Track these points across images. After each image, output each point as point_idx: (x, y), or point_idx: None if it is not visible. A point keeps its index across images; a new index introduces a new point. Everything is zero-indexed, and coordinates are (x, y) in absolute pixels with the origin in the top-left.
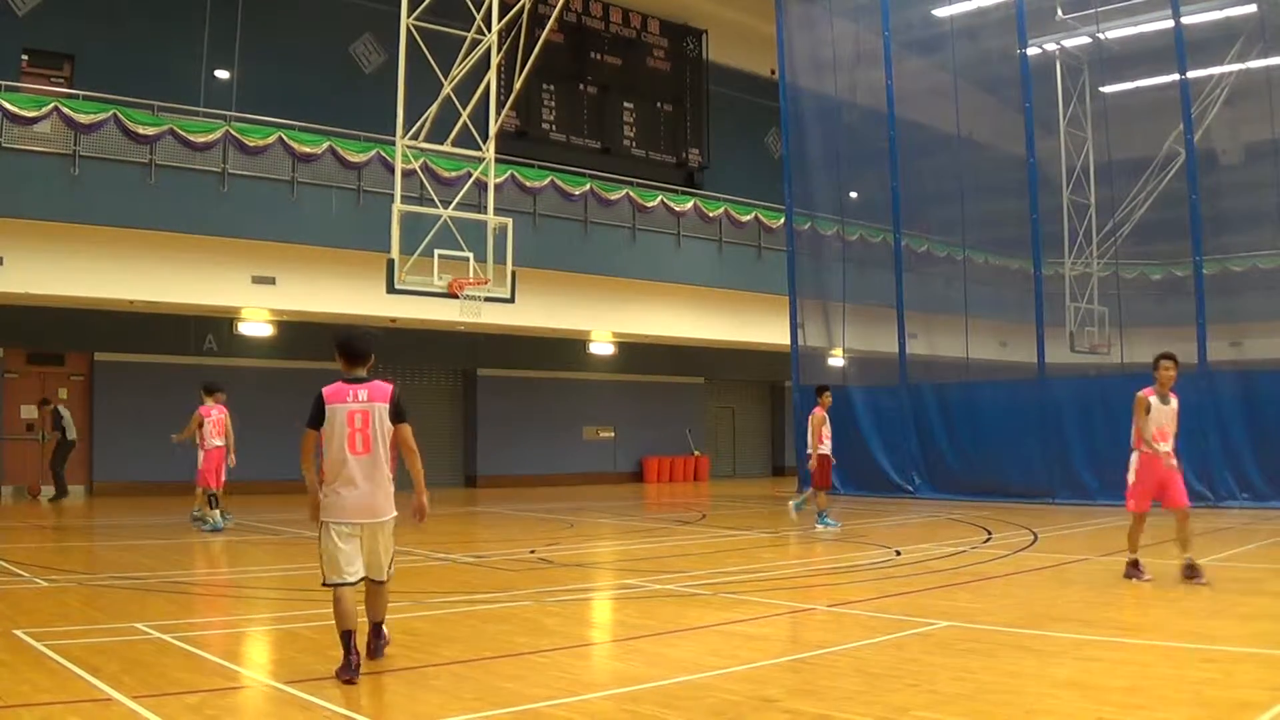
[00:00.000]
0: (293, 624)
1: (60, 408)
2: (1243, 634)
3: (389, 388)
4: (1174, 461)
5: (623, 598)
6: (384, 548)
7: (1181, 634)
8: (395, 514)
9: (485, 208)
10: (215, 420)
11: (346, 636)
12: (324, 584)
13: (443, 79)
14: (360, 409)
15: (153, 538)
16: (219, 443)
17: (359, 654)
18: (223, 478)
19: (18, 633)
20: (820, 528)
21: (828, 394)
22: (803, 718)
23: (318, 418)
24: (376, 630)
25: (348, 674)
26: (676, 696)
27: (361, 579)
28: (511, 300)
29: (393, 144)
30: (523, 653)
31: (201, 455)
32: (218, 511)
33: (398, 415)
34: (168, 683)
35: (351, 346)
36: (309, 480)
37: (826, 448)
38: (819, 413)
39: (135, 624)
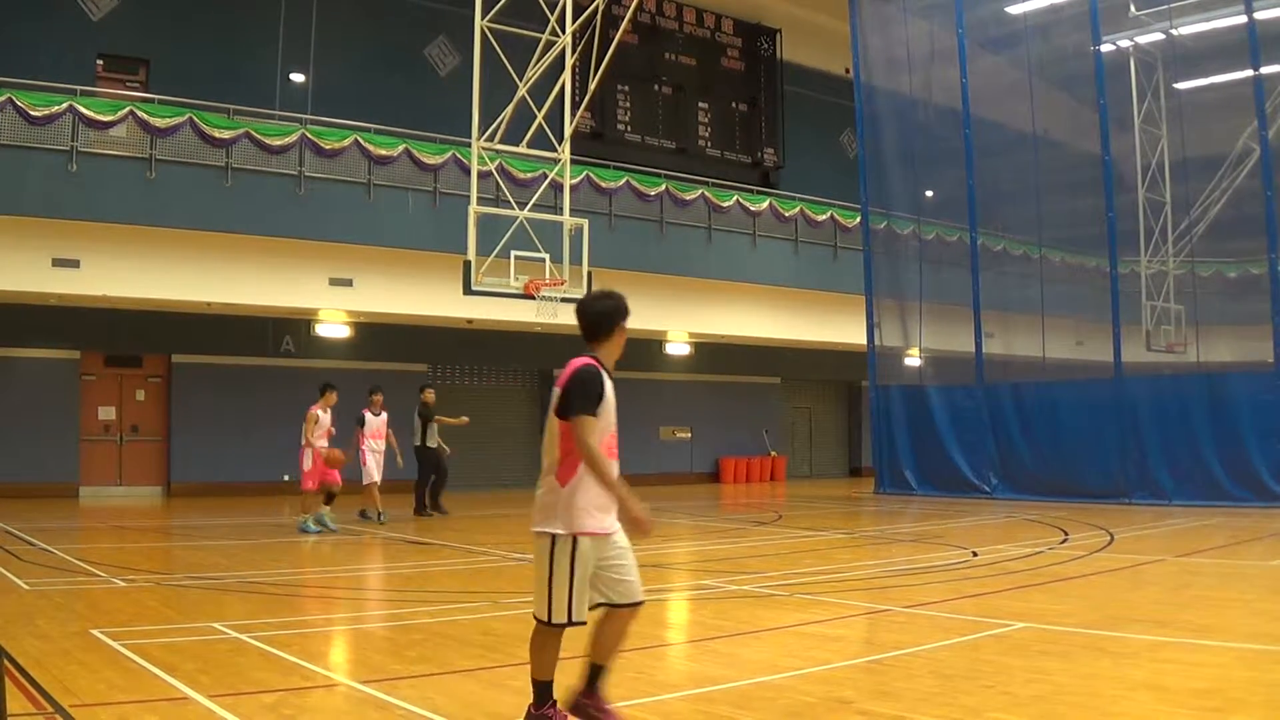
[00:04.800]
0: (369, 624)
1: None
2: None
3: (569, 366)
4: None
5: (698, 598)
6: (535, 573)
7: (1258, 636)
8: (554, 531)
9: (561, 209)
10: (322, 422)
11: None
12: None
13: (518, 80)
14: None
15: (229, 538)
16: (324, 444)
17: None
18: (329, 478)
19: (95, 632)
20: None
21: None
22: (877, 719)
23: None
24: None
25: None
26: (751, 697)
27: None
28: None
29: (468, 146)
30: None
31: (310, 455)
32: (326, 510)
33: (563, 407)
34: (244, 682)
35: (579, 315)
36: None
37: None
38: None
39: (212, 624)
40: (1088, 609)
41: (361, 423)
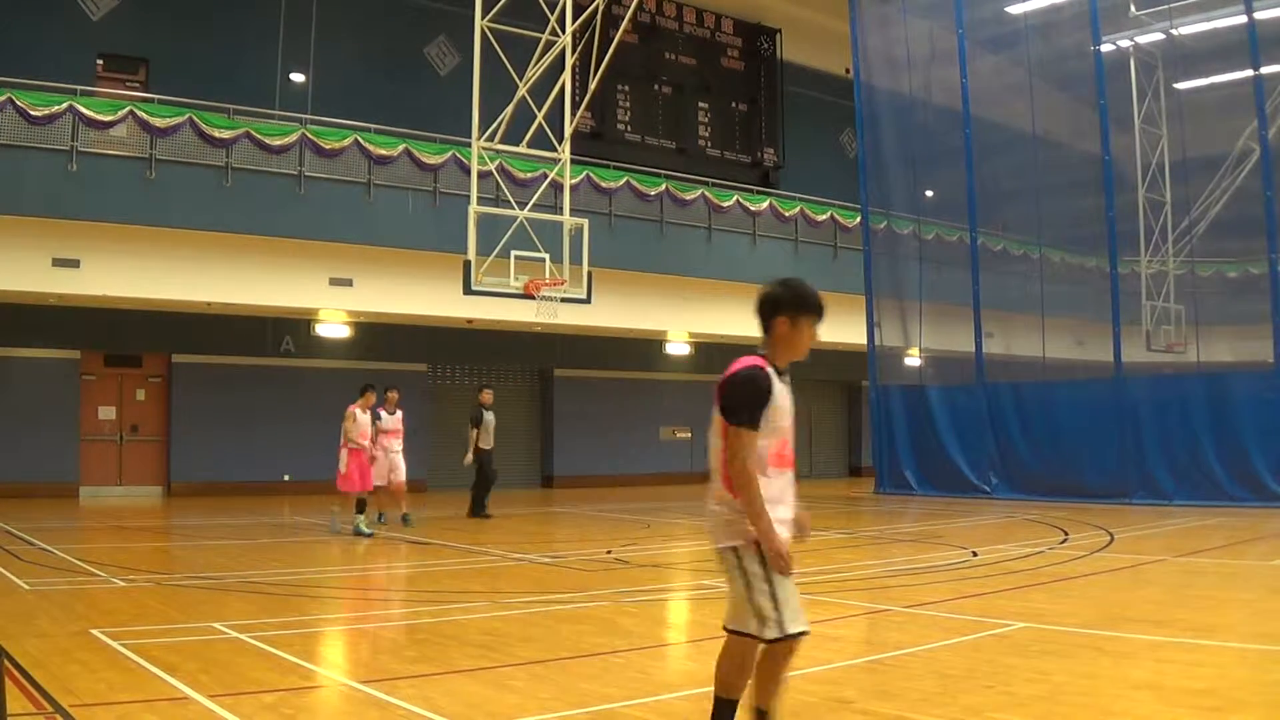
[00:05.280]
0: (368, 624)
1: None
2: None
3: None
4: None
5: (699, 598)
6: (731, 591)
7: (1258, 636)
8: (735, 544)
9: (561, 208)
10: (360, 422)
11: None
12: (779, 636)
13: (518, 80)
14: None
15: (229, 538)
16: (363, 444)
17: None
18: (368, 481)
19: (95, 632)
20: None
21: None
22: (878, 719)
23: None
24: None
25: None
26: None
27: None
28: (588, 301)
29: (468, 146)
30: (599, 653)
31: (346, 456)
32: (361, 517)
33: (722, 410)
34: (244, 682)
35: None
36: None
37: None
38: None
39: (212, 623)
40: (1088, 609)
41: (479, 421)
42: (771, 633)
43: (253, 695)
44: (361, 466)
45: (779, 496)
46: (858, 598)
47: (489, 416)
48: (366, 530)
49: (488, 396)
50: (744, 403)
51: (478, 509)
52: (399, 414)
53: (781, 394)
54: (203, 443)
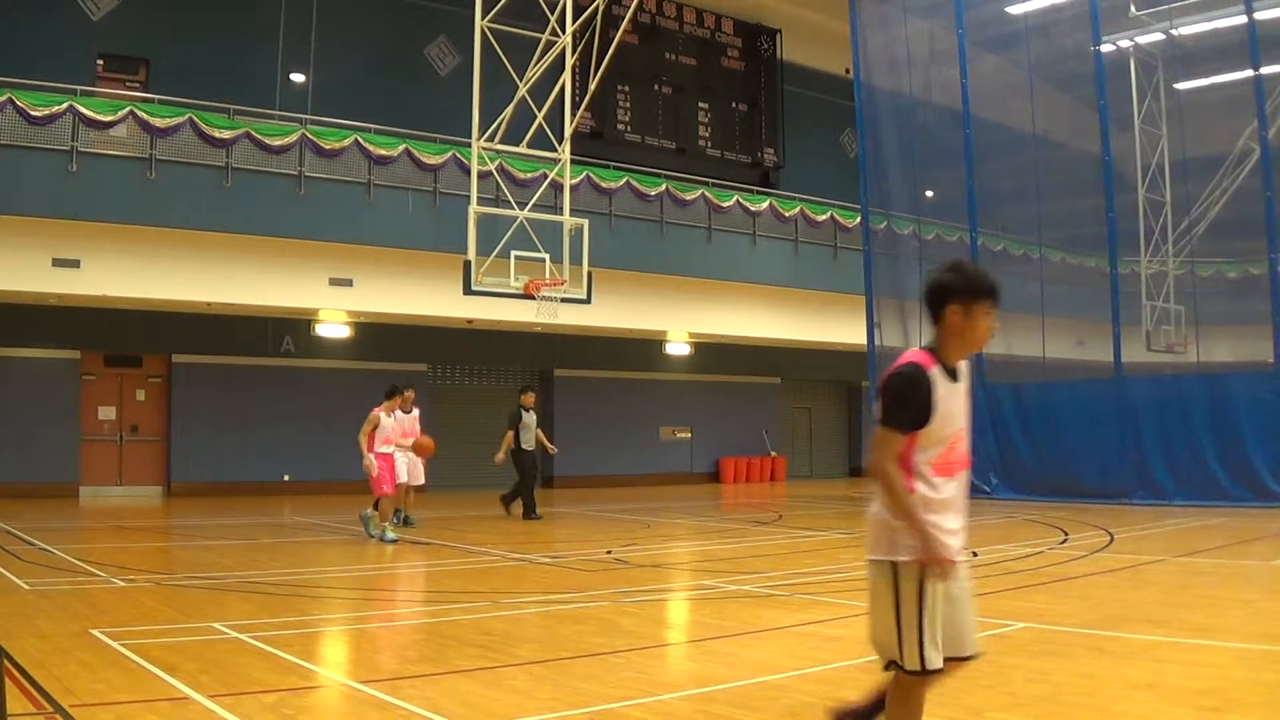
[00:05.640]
0: (368, 624)
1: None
2: None
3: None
4: None
5: (699, 598)
6: (876, 611)
7: (1258, 636)
8: (894, 558)
9: (561, 209)
10: (384, 426)
11: None
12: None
13: (518, 81)
14: None
15: (229, 538)
16: (385, 449)
17: None
18: (396, 482)
19: (95, 632)
20: None
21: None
22: None
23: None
24: None
25: None
26: (752, 697)
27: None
28: (588, 301)
29: (468, 146)
30: (599, 653)
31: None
32: (387, 523)
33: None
34: (244, 682)
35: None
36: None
37: None
38: None
39: (212, 623)
40: (1088, 609)
41: (516, 422)
42: (912, 665)
43: (253, 695)
44: (388, 469)
45: (947, 505)
46: (858, 598)
47: (529, 417)
48: (392, 536)
49: (529, 398)
50: (895, 403)
51: (529, 511)
52: (415, 413)
53: (948, 396)
54: (203, 443)
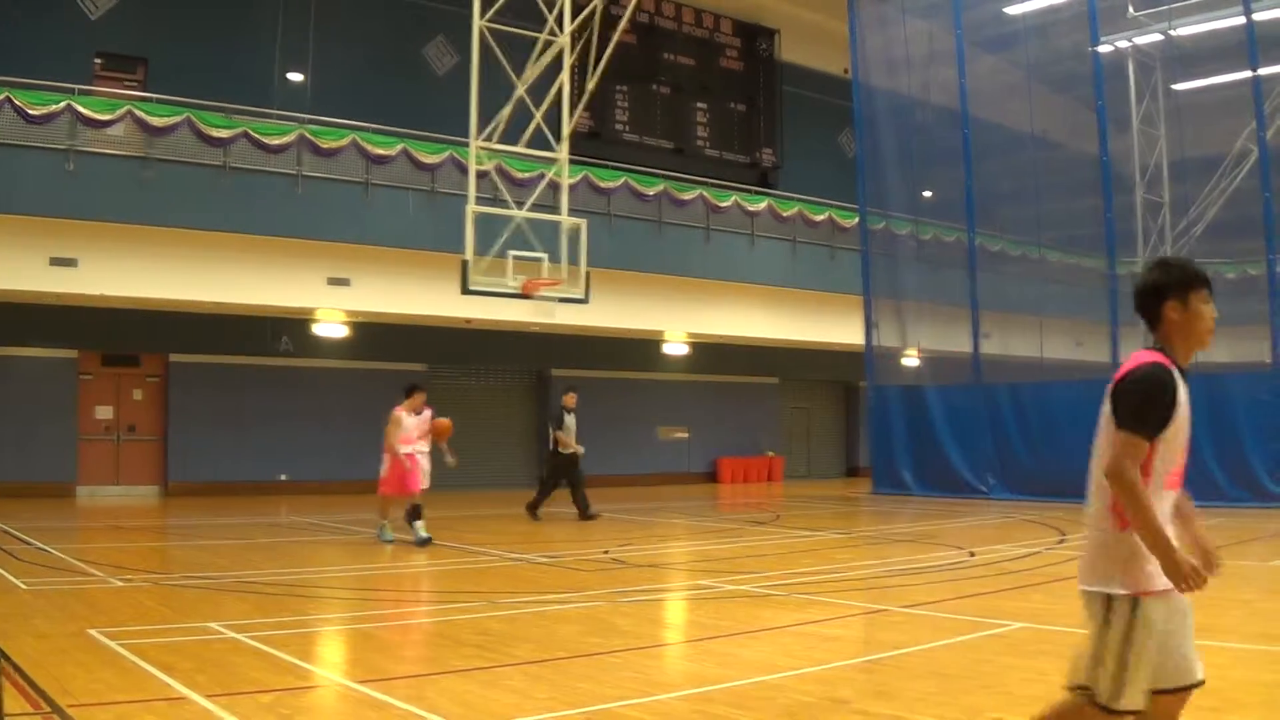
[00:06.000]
0: (365, 624)
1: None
2: None
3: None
4: None
5: (696, 598)
6: (1093, 638)
7: (1256, 636)
8: (1111, 591)
9: (559, 208)
10: (406, 426)
11: None
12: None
13: (516, 80)
14: None
15: (226, 538)
16: (406, 448)
17: None
18: (417, 484)
19: (92, 632)
20: None
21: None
22: (875, 719)
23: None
24: None
25: None
26: (749, 697)
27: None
28: (585, 301)
29: (466, 145)
30: (595, 653)
31: (388, 459)
32: (387, 522)
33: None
34: (241, 682)
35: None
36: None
37: None
38: None
39: (209, 623)
40: None
41: (560, 424)
42: (1107, 699)
43: (249, 695)
44: (400, 471)
45: (1168, 519)
46: (855, 598)
47: (570, 419)
48: (389, 536)
49: (571, 399)
50: (1144, 405)
51: (584, 510)
52: (427, 414)
53: (1186, 401)
54: (200, 442)
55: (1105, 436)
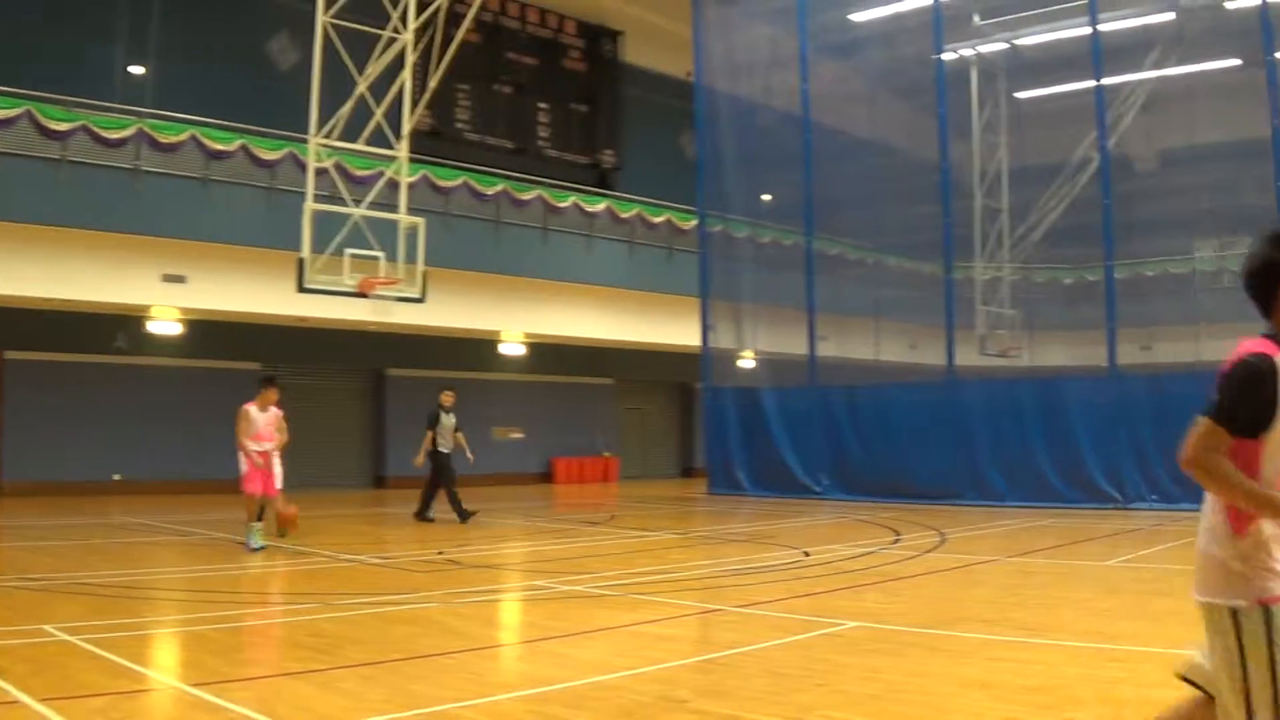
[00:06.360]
0: (199, 626)
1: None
2: (1150, 634)
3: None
4: None
5: (531, 599)
6: (1218, 653)
7: (1089, 634)
8: (1233, 603)
9: (398, 207)
10: (254, 421)
11: None
12: None
13: (357, 77)
14: None
15: (61, 538)
16: (253, 447)
17: None
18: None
19: None
20: None
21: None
22: (711, 718)
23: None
24: None
25: None
26: (585, 697)
27: None
28: (422, 300)
29: (306, 142)
30: (431, 654)
31: (243, 459)
32: (257, 525)
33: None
34: (75, 685)
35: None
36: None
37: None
38: None
39: (43, 625)
40: (920, 608)
41: (434, 423)
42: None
43: (83, 699)
44: (260, 470)
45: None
46: (691, 597)
47: (448, 419)
48: (258, 544)
49: (448, 398)
50: (1237, 397)
51: (462, 514)
52: (277, 413)
53: None
54: (36, 441)
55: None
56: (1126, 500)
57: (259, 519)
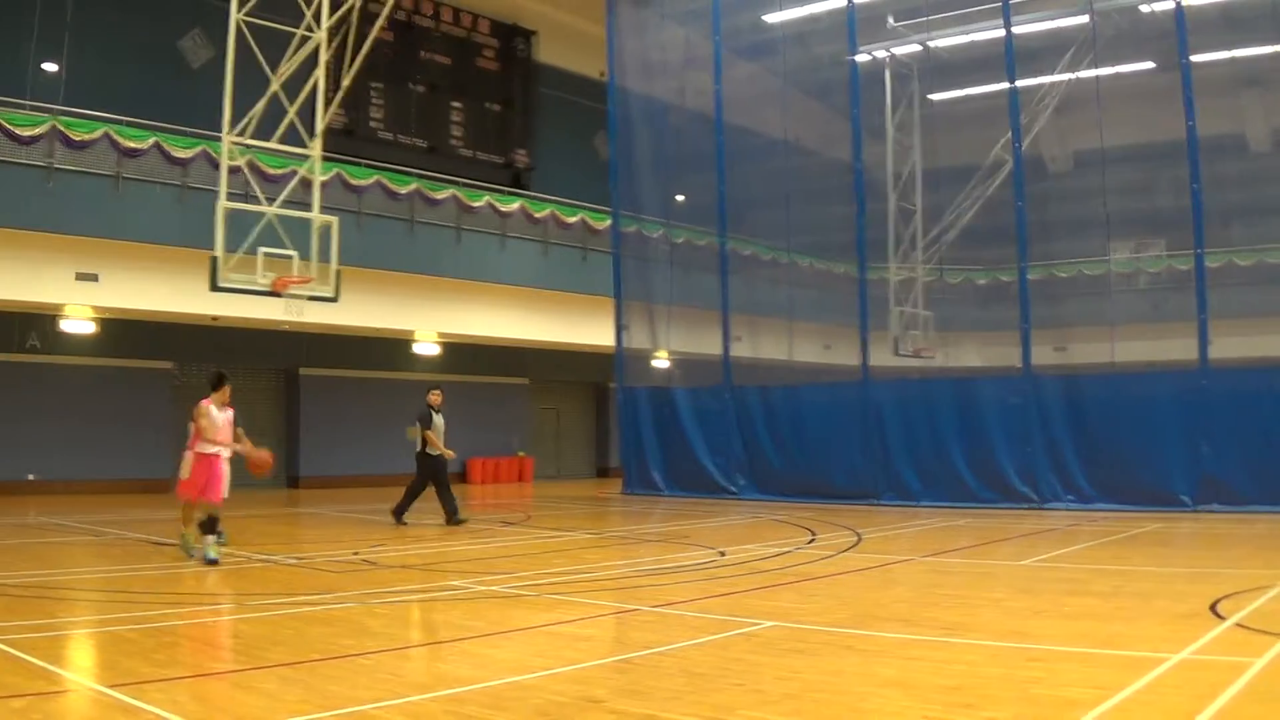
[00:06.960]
0: (115, 626)
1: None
2: (1067, 633)
3: None
4: None
5: (448, 599)
6: None
7: (1006, 634)
8: None
9: (311, 206)
10: (215, 419)
11: None
12: None
13: (271, 75)
14: None
15: None
16: (210, 449)
17: None
18: (218, 492)
19: None
20: None
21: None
22: (628, 718)
23: None
24: None
25: None
26: (502, 697)
27: None
28: (335, 299)
29: (219, 140)
30: (348, 655)
31: (189, 461)
32: (211, 539)
33: None
34: None
35: None
36: None
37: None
38: None
39: None
40: (836, 607)
41: (429, 423)
42: None
43: (2, 700)
44: (210, 473)
45: None
46: (606, 597)
47: (439, 419)
48: (214, 555)
49: (436, 398)
50: None
51: (453, 516)
52: (230, 414)
53: None
54: None
55: None
56: (1041, 500)
57: (214, 531)
